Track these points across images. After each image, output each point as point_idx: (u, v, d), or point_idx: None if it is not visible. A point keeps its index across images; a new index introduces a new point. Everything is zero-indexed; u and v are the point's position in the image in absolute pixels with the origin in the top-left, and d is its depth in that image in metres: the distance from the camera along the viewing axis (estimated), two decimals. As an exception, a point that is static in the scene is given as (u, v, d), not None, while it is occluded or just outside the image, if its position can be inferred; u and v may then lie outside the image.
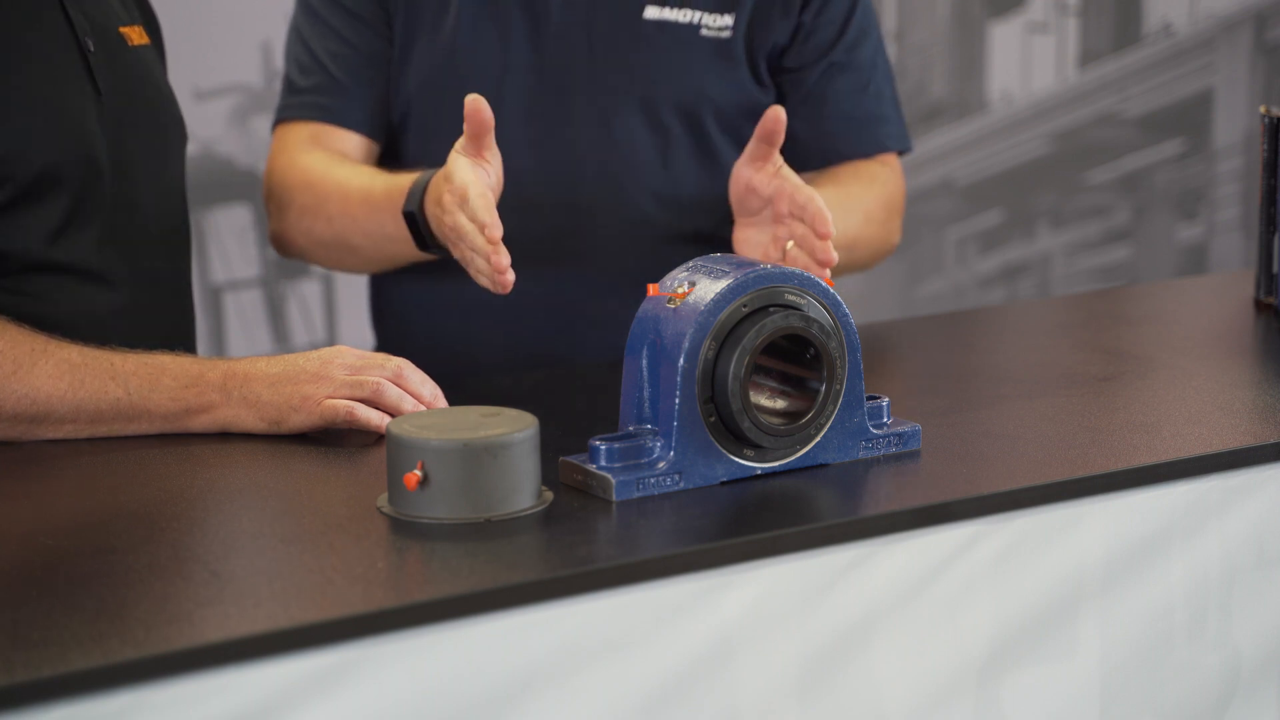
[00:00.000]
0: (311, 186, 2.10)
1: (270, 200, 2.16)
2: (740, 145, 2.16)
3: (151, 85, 1.90)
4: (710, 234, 2.18)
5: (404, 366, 1.70)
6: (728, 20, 2.16)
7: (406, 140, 2.20)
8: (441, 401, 1.72)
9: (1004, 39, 4.22)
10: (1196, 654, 1.61)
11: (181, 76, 2.01)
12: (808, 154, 2.21)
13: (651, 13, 2.16)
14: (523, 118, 2.15)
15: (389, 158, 2.21)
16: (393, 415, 1.66)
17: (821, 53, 2.20)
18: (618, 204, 2.16)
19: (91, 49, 1.81)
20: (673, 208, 2.18)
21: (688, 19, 2.16)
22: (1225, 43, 4.35)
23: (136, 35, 1.91)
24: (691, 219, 2.18)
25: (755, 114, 2.16)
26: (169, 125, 1.92)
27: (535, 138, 2.15)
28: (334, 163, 2.11)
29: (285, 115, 2.19)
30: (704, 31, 2.16)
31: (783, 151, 2.19)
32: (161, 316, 1.87)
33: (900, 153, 2.27)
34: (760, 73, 2.19)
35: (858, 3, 2.22)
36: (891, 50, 4.16)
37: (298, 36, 2.22)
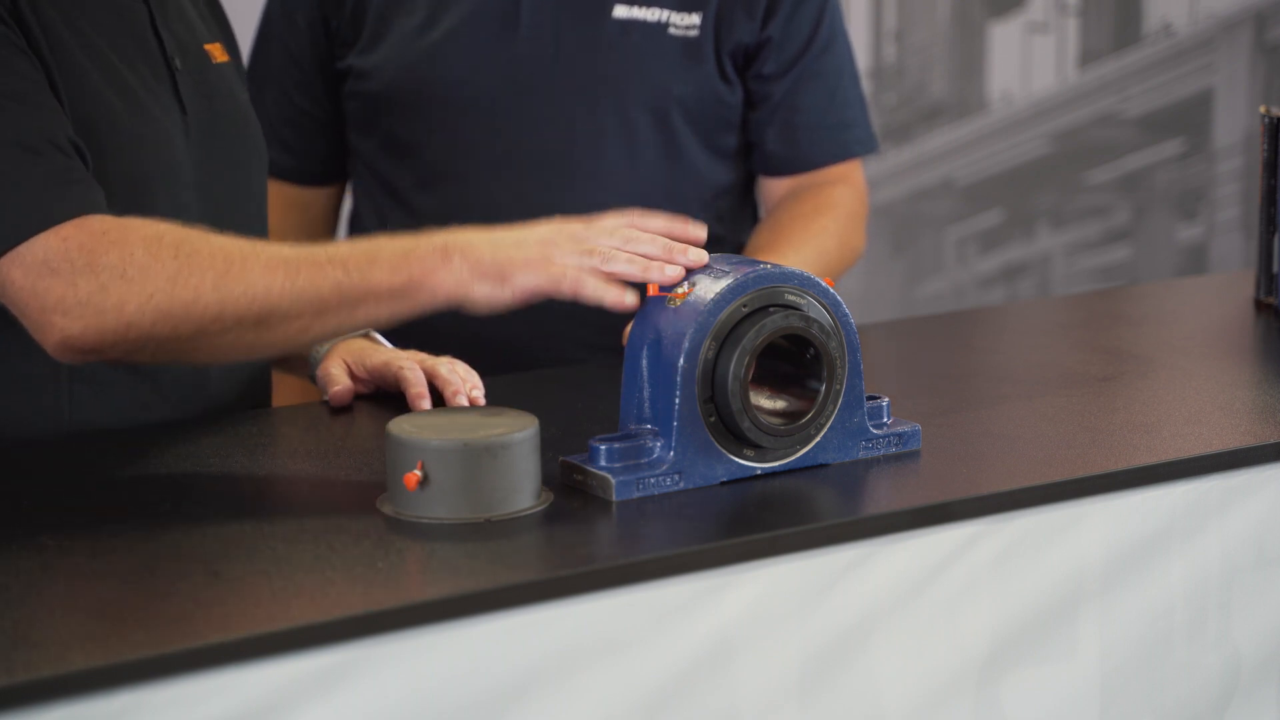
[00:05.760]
0: None
1: None
2: (707, 142, 2.20)
3: (233, 103, 1.86)
4: None
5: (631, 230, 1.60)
6: (695, 19, 2.18)
7: (369, 144, 2.23)
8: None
9: (1004, 39, 4.22)
10: (1196, 654, 1.61)
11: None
12: (778, 163, 2.25)
13: (620, 12, 2.17)
14: (490, 115, 2.16)
15: (360, 135, 2.25)
16: (621, 284, 1.55)
17: (792, 61, 2.22)
18: (584, 201, 2.17)
19: (179, 67, 1.78)
20: (639, 205, 2.19)
21: (656, 18, 2.17)
22: (1225, 43, 4.35)
23: (218, 53, 1.86)
24: None
25: (721, 112, 2.20)
26: (251, 145, 1.87)
27: (503, 135, 2.16)
28: None
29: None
30: (672, 30, 2.17)
31: (753, 159, 2.24)
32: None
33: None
34: (726, 70, 2.20)
35: (826, 6, 2.23)
36: (891, 50, 4.16)
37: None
